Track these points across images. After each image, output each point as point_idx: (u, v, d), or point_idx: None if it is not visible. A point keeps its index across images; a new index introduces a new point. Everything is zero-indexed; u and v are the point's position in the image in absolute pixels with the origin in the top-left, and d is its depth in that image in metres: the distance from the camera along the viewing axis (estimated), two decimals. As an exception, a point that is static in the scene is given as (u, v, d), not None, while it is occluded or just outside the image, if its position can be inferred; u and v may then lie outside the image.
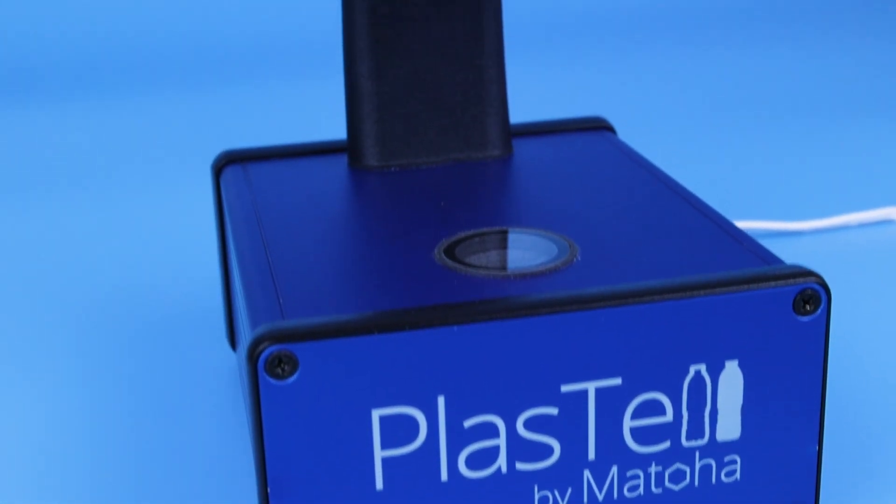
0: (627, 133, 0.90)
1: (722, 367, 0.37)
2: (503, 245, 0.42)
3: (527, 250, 0.42)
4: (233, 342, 0.54)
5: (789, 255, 0.67)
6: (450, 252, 0.41)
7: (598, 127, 0.56)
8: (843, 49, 1.17)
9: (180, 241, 0.70)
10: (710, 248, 0.41)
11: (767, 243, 0.68)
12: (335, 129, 0.94)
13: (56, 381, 0.54)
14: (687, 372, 0.37)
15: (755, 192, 0.75)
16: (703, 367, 0.37)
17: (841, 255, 0.67)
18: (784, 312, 0.37)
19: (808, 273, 0.37)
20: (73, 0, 1.18)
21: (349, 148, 0.51)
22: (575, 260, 0.40)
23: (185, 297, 0.62)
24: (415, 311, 0.35)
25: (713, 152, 0.84)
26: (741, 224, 0.68)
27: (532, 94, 1.02)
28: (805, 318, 0.38)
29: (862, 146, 0.85)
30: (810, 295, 0.37)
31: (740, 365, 0.37)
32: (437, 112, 0.51)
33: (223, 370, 0.54)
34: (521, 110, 0.97)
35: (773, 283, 0.37)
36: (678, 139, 0.87)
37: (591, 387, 0.37)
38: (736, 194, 0.75)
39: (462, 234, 0.43)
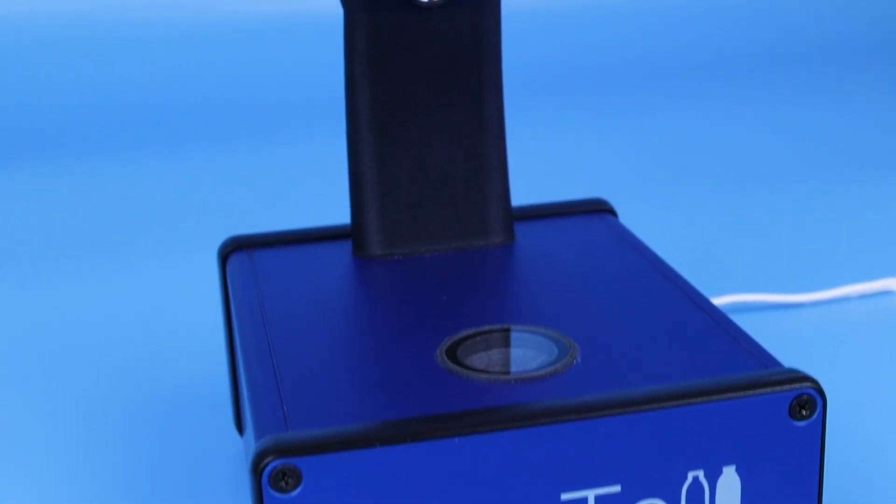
0: (620, 200, 0.91)
1: (720, 472, 0.38)
2: (505, 344, 0.43)
3: (528, 349, 0.42)
4: (239, 427, 0.54)
5: (789, 328, 0.67)
6: (452, 353, 0.42)
7: (598, 210, 0.57)
8: (842, 106, 1.17)
9: (186, 318, 0.71)
10: (707, 349, 0.41)
11: (767, 317, 0.69)
12: (339, 194, 0.95)
13: (55, 467, 0.54)
14: (685, 478, 0.38)
15: (754, 264, 0.76)
16: (700, 473, 0.38)
17: (842, 328, 0.67)
18: (780, 418, 0.38)
19: (804, 378, 0.38)
20: (73, 62, 1.19)
21: (353, 236, 0.52)
22: (574, 362, 0.41)
23: (191, 377, 0.63)
24: (417, 423, 0.36)
25: (710, 221, 0.85)
26: (740, 297, 0.69)
27: (526, 158, 1.03)
28: (801, 423, 0.38)
29: (860, 213, 0.85)
30: (806, 400, 0.38)
31: (738, 470, 0.38)
32: (440, 200, 0.52)
33: (229, 454, 0.55)
34: (515, 175, 0.98)
35: (769, 390, 0.38)
36: (674, 207, 0.88)
37: (590, 494, 0.37)
38: (734, 266, 0.76)
39: (464, 333, 0.43)
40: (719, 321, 0.44)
